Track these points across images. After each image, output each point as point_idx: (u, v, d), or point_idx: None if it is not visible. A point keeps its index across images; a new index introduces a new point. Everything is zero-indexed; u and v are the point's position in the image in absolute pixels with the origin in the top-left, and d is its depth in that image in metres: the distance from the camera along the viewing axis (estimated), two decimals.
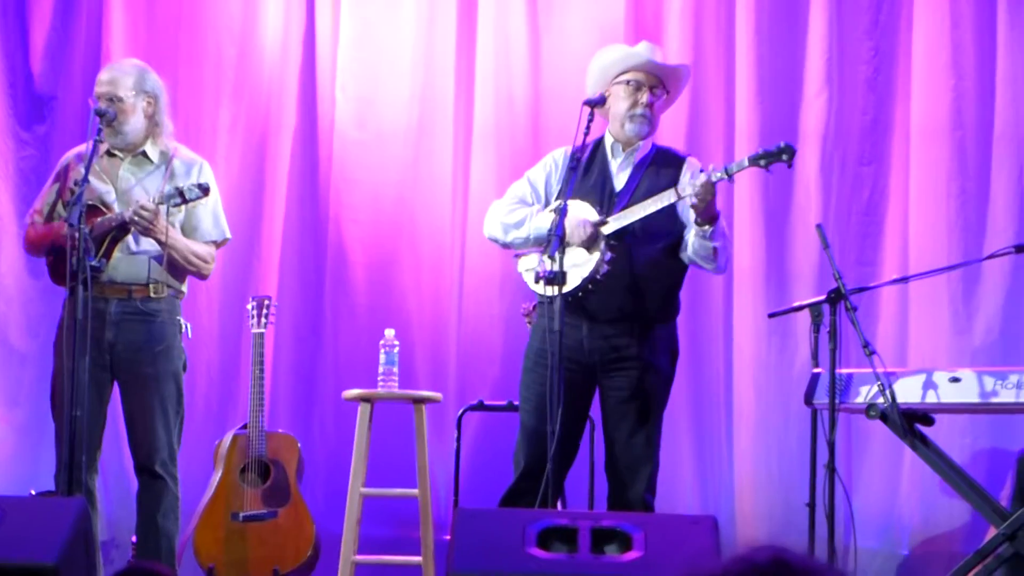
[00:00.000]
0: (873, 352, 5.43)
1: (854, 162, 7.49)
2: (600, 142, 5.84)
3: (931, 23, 7.42)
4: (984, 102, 7.37)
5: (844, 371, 5.68)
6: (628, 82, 5.75)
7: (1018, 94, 7.33)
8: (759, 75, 7.50)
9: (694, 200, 5.45)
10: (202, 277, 6.22)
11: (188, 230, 6.10)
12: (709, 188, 5.44)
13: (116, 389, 6.07)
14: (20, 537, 4.84)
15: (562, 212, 5.45)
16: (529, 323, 6.93)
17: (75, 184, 5.72)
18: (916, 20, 7.45)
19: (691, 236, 5.61)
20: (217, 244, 6.22)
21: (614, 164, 5.79)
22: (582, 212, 5.64)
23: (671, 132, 7.26)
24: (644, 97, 5.74)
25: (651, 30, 7.51)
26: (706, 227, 5.54)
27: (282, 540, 6.92)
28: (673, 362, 5.81)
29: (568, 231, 5.54)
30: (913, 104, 7.44)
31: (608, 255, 5.58)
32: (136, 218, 5.82)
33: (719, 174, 5.46)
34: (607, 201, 5.71)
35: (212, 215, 6.18)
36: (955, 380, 5.58)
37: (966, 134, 7.37)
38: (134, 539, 6.31)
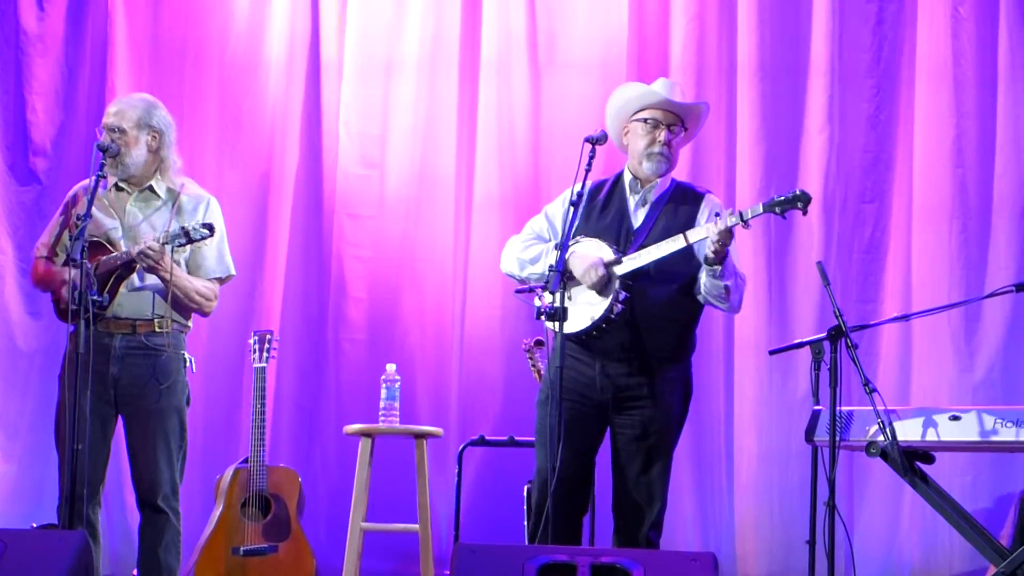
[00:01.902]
0: (873, 390, 5.43)
1: (855, 199, 7.51)
2: (619, 178, 5.82)
3: (932, 61, 7.45)
4: (985, 139, 7.40)
5: (845, 408, 5.67)
6: (646, 120, 5.74)
7: (1019, 132, 7.35)
8: (761, 112, 7.53)
9: (714, 247, 5.45)
10: (204, 314, 6.22)
11: (193, 267, 6.11)
12: (728, 234, 5.44)
13: (120, 423, 6.08)
14: (21, 570, 4.84)
15: (563, 248, 5.44)
16: (530, 359, 6.94)
17: (78, 219, 5.74)
18: (918, 58, 7.48)
19: (703, 275, 5.60)
20: (221, 280, 6.23)
21: (632, 201, 5.76)
22: (598, 251, 5.63)
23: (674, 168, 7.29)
24: (662, 135, 5.72)
25: (654, 67, 7.54)
26: (716, 266, 5.53)
27: (283, 574, 6.91)
28: (686, 401, 5.78)
29: (580, 272, 5.54)
30: (915, 142, 7.46)
31: (623, 295, 5.56)
32: (142, 257, 5.84)
33: (734, 219, 5.45)
34: (624, 239, 5.68)
35: (217, 252, 6.19)
36: (955, 418, 5.57)
37: (967, 172, 7.40)
38: (135, 573, 6.31)
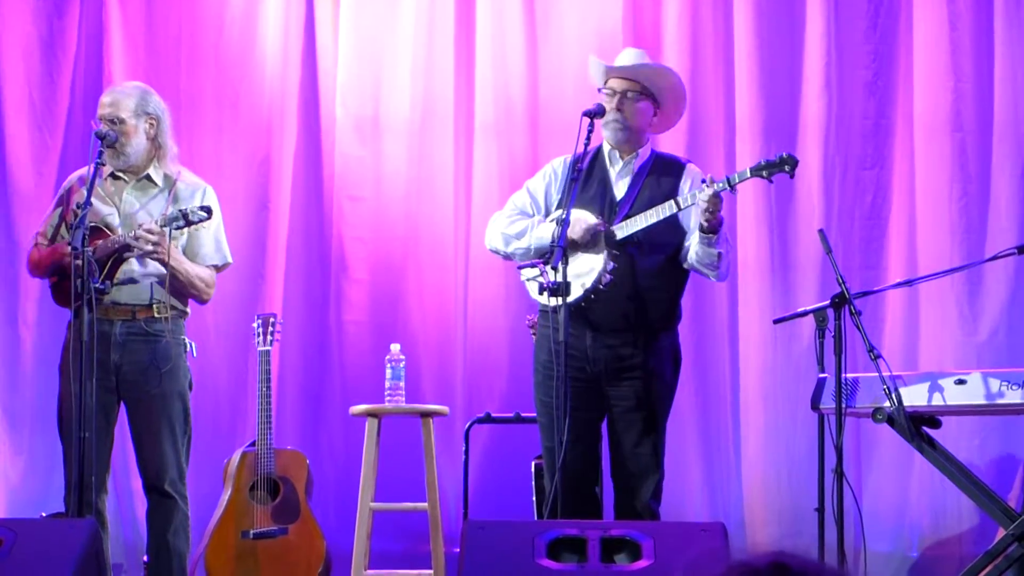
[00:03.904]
0: (878, 356, 5.44)
1: (856, 166, 7.51)
2: (600, 150, 5.86)
3: (929, 25, 7.44)
4: (983, 103, 7.39)
5: (850, 375, 5.68)
6: (611, 91, 5.79)
7: (1017, 94, 7.35)
8: (759, 80, 7.51)
9: (706, 213, 5.45)
10: (202, 301, 6.21)
11: (190, 254, 6.10)
12: (717, 200, 5.46)
13: (123, 410, 6.08)
14: (32, 559, 4.86)
15: (564, 223, 5.45)
16: (534, 334, 6.93)
17: (78, 207, 5.73)
18: (915, 22, 7.47)
19: (694, 243, 5.62)
20: (218, 268, 6.23)
21: (613, 172, 5.81)
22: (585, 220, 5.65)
23: (672, 139, 7.28)
24: (614, 104, 5.76)
25: (649, 36, 7.53)
26: (711, 235, 5.54)
27: (293, 557, 6.92)
28: (676, 369, 5.83)
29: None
30: (914, 107, 7.45)
31: (611, 264, 5.59)
32: (141, 240, 5.83)
33: (720, 184, 5.46)
34: (608, 210, 5.72)
35: (214, 239, 6.18)
36: (961, 382, 5.57)
37: (966, 136, 7.39)
38: (146, 559, 6.32)
